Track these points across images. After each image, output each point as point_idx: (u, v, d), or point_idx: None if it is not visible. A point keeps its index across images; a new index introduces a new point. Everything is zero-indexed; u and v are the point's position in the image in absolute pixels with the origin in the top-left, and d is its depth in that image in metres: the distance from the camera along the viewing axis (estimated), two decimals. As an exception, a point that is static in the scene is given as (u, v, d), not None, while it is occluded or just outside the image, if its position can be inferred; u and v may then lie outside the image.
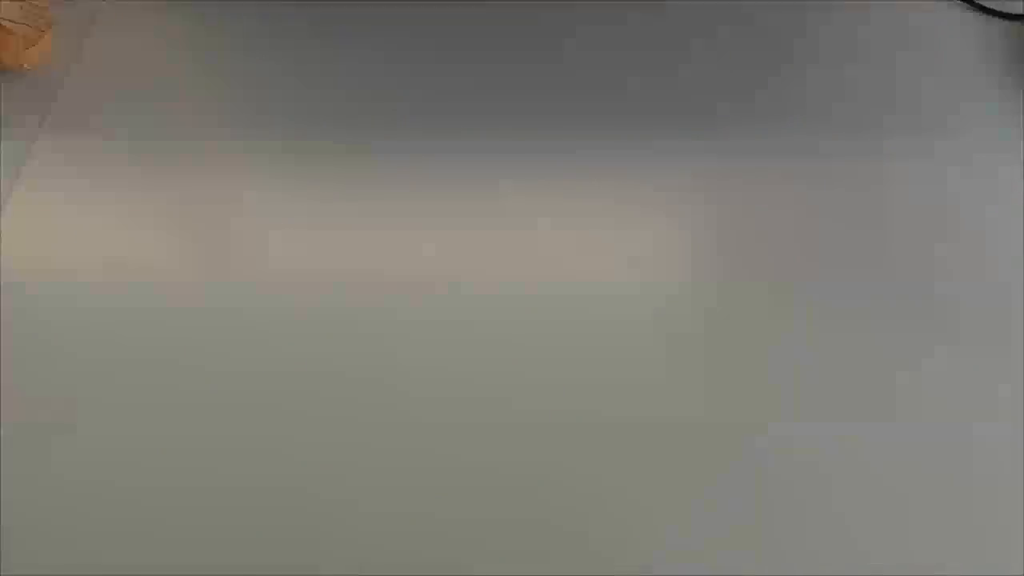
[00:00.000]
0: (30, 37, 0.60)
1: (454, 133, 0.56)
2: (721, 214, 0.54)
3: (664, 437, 0.45)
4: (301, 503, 0.43)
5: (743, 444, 0.45)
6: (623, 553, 0.41)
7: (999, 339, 0.48)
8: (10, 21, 0.59)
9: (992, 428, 0.45)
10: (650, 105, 0.59)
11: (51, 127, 0.58)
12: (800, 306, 0.50)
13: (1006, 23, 0.65)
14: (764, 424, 0.45)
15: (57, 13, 0.63)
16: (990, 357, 0.48)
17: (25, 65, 0.59)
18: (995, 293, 0.50)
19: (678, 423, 0.45)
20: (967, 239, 0.52)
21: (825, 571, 0.41)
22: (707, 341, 0.48)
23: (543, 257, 0.51)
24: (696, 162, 0.56)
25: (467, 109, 0.57)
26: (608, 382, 0.47)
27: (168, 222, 0.53)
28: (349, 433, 0.45)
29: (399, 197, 0.53)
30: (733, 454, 0.44)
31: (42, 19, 0.61)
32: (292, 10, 0.65)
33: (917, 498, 0.43)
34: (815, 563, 0.41)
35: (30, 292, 0.50)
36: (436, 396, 0.46)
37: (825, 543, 0.42)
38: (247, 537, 0.42)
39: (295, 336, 0.48)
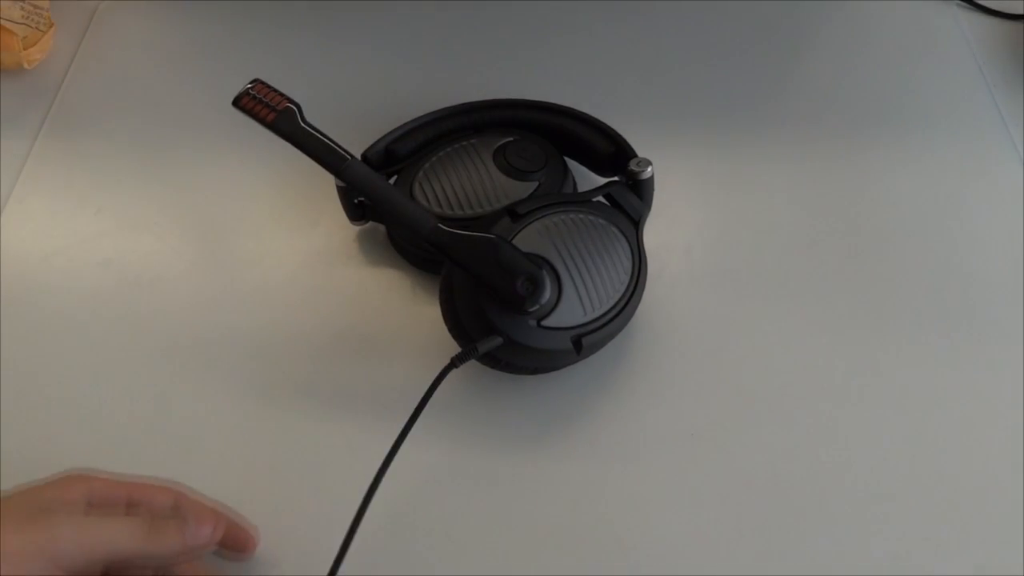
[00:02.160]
0: (30, 37, 0.60)
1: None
2: (718, 212, 0.54)
3: (659, 437, 0.45)
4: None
5: (742, 444, 0.45)
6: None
7: (999, 339, 0.48)
8: (10, 21, 0.59)
9: (992, 427, 0.45)
10: (643, 103, 0.59)
11: (51, 127, 0.58)
12: (796, 306, 0.50)
13: (1006, 23, 0.65)
14: (762, 424, 0.45)
15: (57, 13, 0.63)
16: (990, 357, 0.48)
17: (25, 65, 0.59)
18: (994, 293, 0.50)
19: (670, 427, 0.45)
20: (966, 239, 0.52)
21: (825, 571, 0.41)
22: (703, 339, 0.48)
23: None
24: (692, 160, 0.56)
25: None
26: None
27: (169, 222, 0.53)
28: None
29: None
30: (730, 454, 0.44)
31: (42, 19, 0.61)
32: (293, 10, 0.65)
33: (914, 498, 0.43)
34: (814, 563, 0.41)
35: (29, 292, 0.50)
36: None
37: (824, 543, 0.42)
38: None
39: (297, 338, 0.49)
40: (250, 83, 0.43)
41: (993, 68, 0.62)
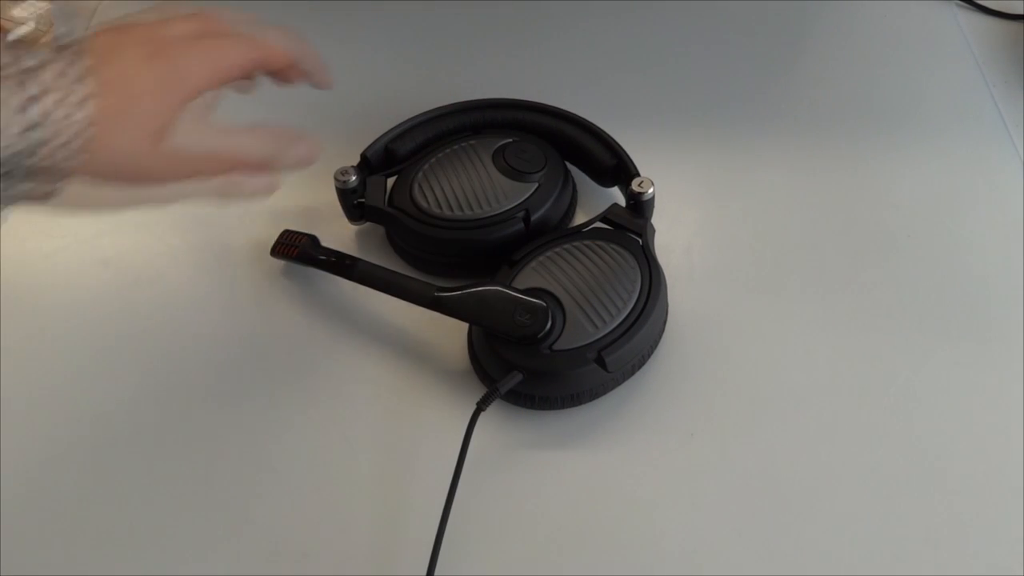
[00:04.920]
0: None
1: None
2: (718, 212, 0.54)
3: (658, 437, 0.45)
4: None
5: (742, 444, 0.45)
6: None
7: (999, 338, 0.48)
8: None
9: (993, 427, 0.45)
10: (643, 103, 0.59)
11: (51, 127, 0.58)
12: (796, 305, 0.50)
13: (1006, 23, 0.65)
14: (761, 424, 0.45)
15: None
16: (990, 356, 0.48)
17: (25, 65, 0.59)
18: (994, 293, 0.50)
19: (669, 427, 0.45)
20: (966, 239, 0.52)
21: (826, 571, 0.41)
22: (702, 339, 0.48)
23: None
24: (692, 160, 0.56)
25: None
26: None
27: (169, 222, 0.53)
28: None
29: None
30: (730, 454, 0.44)
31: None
32: (293, 9, 0.65)
33: (915, 498, 0.43)
34: (815, 563, 0.41)
35: (30, 292, 0.50)
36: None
37: (824, 543, 0.42)
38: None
39: (296, 339, 0.49)
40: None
41: (993, 68, 0.62)
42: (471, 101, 0.53)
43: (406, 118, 0.52)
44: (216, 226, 0.53)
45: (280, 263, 0.51)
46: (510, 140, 0.51)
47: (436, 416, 0.45)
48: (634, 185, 0.48)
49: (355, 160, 0.51)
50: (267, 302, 0.50)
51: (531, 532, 0.42)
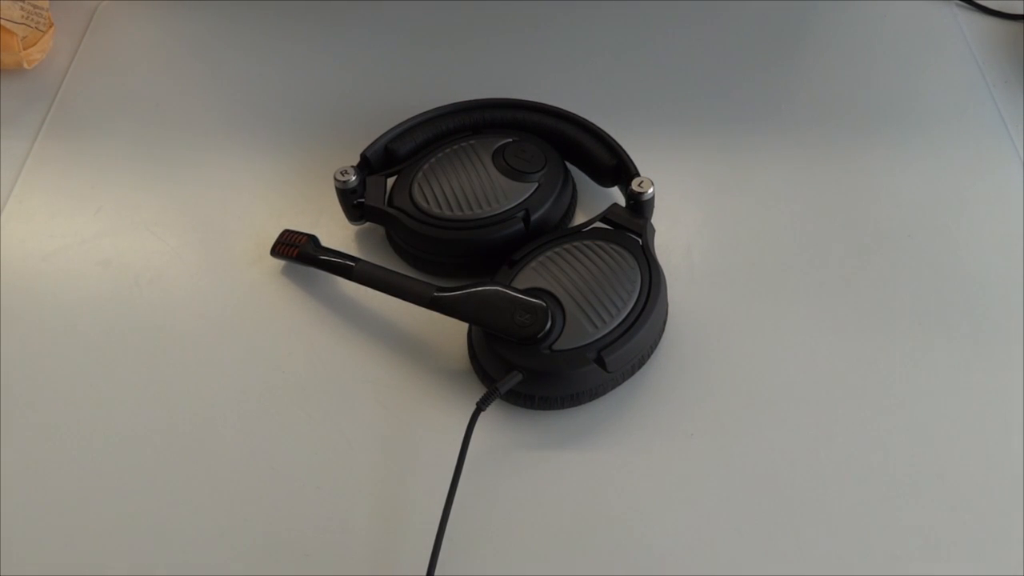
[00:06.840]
0: (30, 37, 0.60)
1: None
2: (718, 212, 0.54)
3: (657, 437, 0.45)
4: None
5: (741, 444, 0.45)
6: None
7: (999, 339, 0.48)
8: (10, 21, 0.59)
9: (993, 427, 0.45)
10: (642, 102, 0.59)
11: (51, 127, 0.58)
12: (796, 306, 0.50)
13: (1006, 23, 0.65)
14: (760, 424, 0.45)
15: (57, 13, 0.63)
16: (990, 356, 0.48)
17: (25, 65, 0.59)
18: (994, 293, 0.50)
19: (667, 427, 0.45)
20: (966, 239, 0.52)
21: (825, 571, 0.41)
22: (701, 339, 0.48)
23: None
24: (692, 160, 0.56)
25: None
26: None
27: (169, 222, 0.53)
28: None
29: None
30: (728, 454, 0.44)
31: (42, 19, 0.61)
32: (292, 9, 0.65)
33: (915, 498, 0.43)
34: (815, 563, 0.41)
35: (29, 292, 0.50)
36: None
37: (824, 543, 0.42)
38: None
39: (296, 339, 0.49)
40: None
41: (993, 68, 0.62)
42: (471, 101, 0.53)
43: (406, 118, 0.52)
44: (216, 226, 0.53)
45: (280, 263, 0.51)
46: (510, 140, 0.51)
47: (436, 416, 0.45)
48: (634, 185, 0.48)
49: (355, 160, 0.51)
50: (267, 302, 0.50)
51: (531, 532, 0.42)
